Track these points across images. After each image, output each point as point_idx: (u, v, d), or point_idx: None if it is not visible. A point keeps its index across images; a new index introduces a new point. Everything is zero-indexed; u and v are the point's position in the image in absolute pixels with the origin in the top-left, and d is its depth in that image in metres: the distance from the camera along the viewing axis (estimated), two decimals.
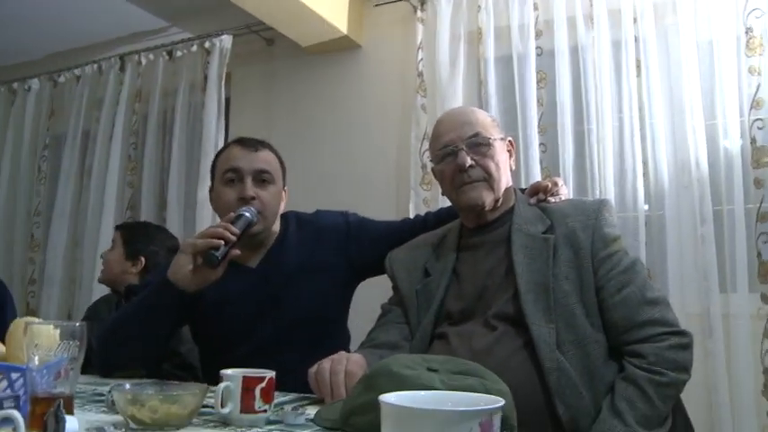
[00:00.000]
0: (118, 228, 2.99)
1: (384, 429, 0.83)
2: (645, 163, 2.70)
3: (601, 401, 1.46)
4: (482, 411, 0.79)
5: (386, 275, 1.89)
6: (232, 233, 1.73)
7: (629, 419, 1.40)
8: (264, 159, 1.96)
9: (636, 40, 2.76)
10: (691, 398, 1.64)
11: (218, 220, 2.22)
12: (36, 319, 1.32)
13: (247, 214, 1.83)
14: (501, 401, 0.83)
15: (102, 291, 3.35)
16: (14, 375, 1.24)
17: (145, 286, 1.99)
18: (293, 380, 1.58)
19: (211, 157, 3.38)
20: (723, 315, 2.46)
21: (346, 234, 2.04)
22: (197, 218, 3.42)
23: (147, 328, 1.82)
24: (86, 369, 1.51)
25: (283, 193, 2.04)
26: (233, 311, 1.95)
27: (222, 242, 1.71)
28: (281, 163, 2.04)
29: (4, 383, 1.24)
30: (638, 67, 2.74)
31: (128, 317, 1.85)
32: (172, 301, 1.78)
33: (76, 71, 4.11)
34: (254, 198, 1.89)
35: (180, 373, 2.29)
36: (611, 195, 2.67)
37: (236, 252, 1.77)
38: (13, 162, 4.23)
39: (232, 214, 1.82)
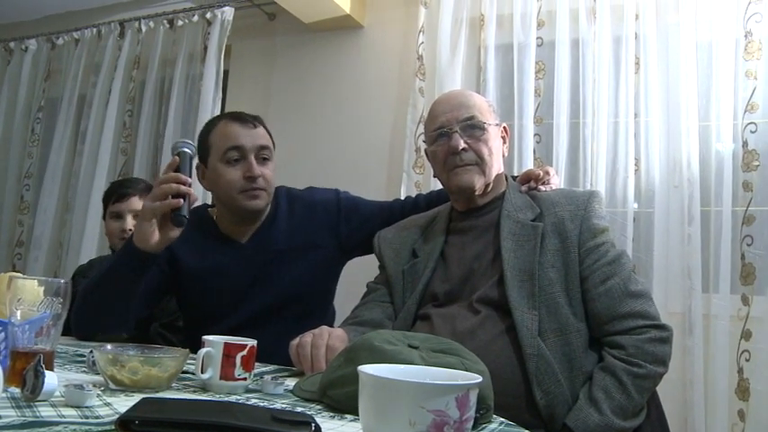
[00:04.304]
0: None
1: (361, 400, 0.84)
2: (637, 160, 2.70)
3: (578, 390, 1.48)
4: (459, 386, 0.80)
5: (373, 254, 1.90)
6: (187, 184, 1.65)
7: (604, 409, 1.42)
8: (263, 135, 1.95)
9: (636, 37, 2.75)
10: (667, 392, 1.66)
11: (208, 196, 2.19)
12: (21, 275, 1.31)
13: (187, 150, 1.74)
14: (478, 378, 0.84)
15: (88, 255, 3.36)
16: None
17: None
18: (277, 355, 1.59)
19: None
20: (704, 315, 2.48)
21: (337, 212, 2.04)
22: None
23: (116, 294, 1.77)
24: (67, 331, 1.51)
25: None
26: (220, 285, 1.95)
27: (182, 200, 1.64)
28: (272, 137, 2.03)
29: None
30: (637, 64, 2.74)
31: (96, 284, 1.80)
32: (139, 263, 1.71)
33: (75, 34, 4.06)
34: (260, 176, 1.88)
35: (167, 335, 2.29)
36: (601, 190, 2.65)
37: (195, 197, 1.69)
38: (7, 123, 4.18)
39: (176, 157, 1.71)
